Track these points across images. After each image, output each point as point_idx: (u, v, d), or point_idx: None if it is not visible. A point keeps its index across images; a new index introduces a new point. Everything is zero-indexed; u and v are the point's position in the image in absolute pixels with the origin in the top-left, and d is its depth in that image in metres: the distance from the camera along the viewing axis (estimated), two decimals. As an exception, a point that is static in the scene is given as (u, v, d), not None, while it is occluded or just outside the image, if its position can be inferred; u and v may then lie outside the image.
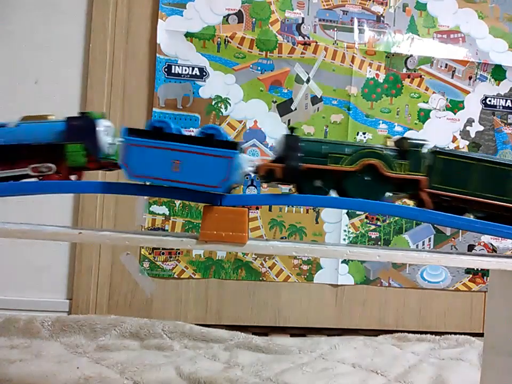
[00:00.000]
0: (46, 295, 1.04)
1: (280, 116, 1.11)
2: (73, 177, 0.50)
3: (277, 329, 1.08)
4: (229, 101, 1.10)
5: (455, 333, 1.07)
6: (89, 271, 1.06)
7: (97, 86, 1.07)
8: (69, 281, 1.07)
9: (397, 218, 1.13)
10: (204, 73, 1.09)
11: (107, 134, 0.48)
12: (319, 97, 1.12)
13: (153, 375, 0.76)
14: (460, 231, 1.15)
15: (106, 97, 1.07)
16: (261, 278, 1.10)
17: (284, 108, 1.12)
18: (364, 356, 0.92)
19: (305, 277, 1.11)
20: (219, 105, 1.10)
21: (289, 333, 1.08)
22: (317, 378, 0.78)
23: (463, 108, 1.15)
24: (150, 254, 1.08)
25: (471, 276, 1.14)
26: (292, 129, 0.48)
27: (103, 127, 0.48)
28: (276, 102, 1.11)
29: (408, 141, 0.48)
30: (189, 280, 1.08)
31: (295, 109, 1.11)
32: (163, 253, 1.09)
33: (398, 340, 1.04)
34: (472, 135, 1.15)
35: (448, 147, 1.14)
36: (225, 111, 1.10)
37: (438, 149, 0.48)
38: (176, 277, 1.08)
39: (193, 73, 1.09)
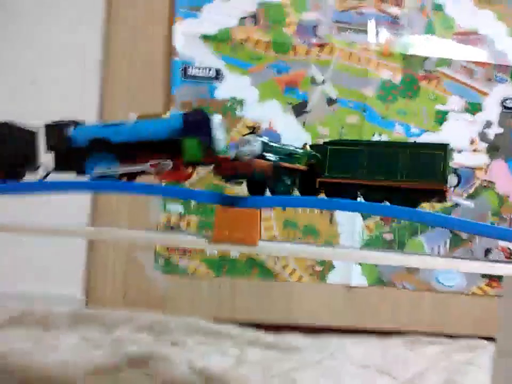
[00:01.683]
0: (62, 289, 1.07)
1: (296, 117, 1.12)
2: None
3: (288, 327, 1.08)
4: (244, 102, 1.11)
5: (469, 337, 1.06)
6: (105, 267, 1.08)
7: (114, 90, 1.10)
8: (85, 276, 1.09)
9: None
10: (220, 75, 1.10)
11: (219, 129, 0.48)
12: (334, 98, 1.12)
13: (166, 370, 0.77)
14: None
15: (123, 101, 1.09)
16: (273, 278, 1.10)
17: (299, 109, 1.12)
18: (373, 356, 0.92)
19: (318, 277, 1.11)
20: (234, 106, 1.11)
21: (300, 331, 1.08)
22: (325, 378, 0.79)
23: (481, 110, 1.13)
24: (165, 251, 1.10)
25: (487, 280, 1.13)
26: (253, 128, 0.48)
27: (216, 122, 0.48)
28: (291, 103, 1.12)
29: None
30: (202, 277, 1.09)
31: (310, 110, 1.12)
32: (178, 251, 1.10)
33: (410, 342, 1.04)
34: (491, 137, 1.14)
35: (466, 149, 1.13)
36: (241, 112, 1.11)
37: (328, 140, 0.51)
38: (190, 274, 1.09)
39: (209, 75, 1.10)
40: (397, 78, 1.12)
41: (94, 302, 1.06)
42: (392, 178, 0.47)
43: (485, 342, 1.00)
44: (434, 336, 1.06)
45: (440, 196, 0.48)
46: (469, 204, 0.50)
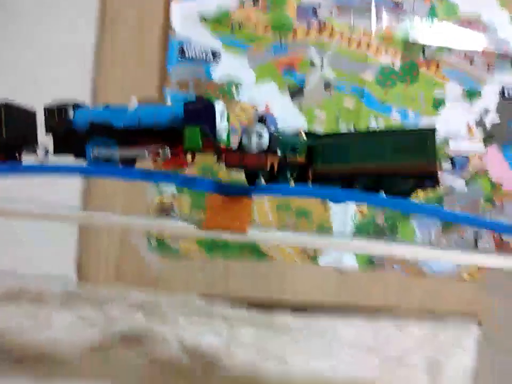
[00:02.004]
0: (54, 268, 1.07)
1: (292, 101, 1.11)
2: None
3: (280, 307, 1.10)
4: (241, 84, 1.10)
5: (457, 319, 1.08)
6: (97, 247, 1.09)
7: (108, 67, 1.08)
8: (78, 253, 1.10)
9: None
10: (217, 56, 1.09)
11: (222, 117, 0.48)
12: (332, 82, 1.11)
13: (156, 347, 0.79)
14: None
15: (118, 80, 1.08)
16: (265, 258, 1.12)
17: (296, 92, 1.11)
18: (362, 336, 0.94)
19: (310, 258, 1.13)
20: (231, 88, 1.10)
21: (291, 310, 1.10)
22: (315, 357, 0.81)
23: (480, 97, 1.13)
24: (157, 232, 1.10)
25: (477, 265, 1.14)
26: (261, 117, 0.48)
27: (219, 110, 0.47)
28: (288, 86, 1.11)
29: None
30: (195, 258, 1.11)
31: (308, 94, 1.11)
32: (172, 232, 1.11)
33: (398, 322, 1.06)
34: (488, 125, 1.14)
35: (462, 136, 1.13)
36: (237, 94, 1.10)
37: (315, 133, 0.52)
38: (183, 254, 1.10)
39: (206, 55, 1.09)
40: (397, 64, 1.11)
41: (87, 281, 1.08)
42: (383, 162, 0.47)
43: (473, 324, 1.02)
44: (423, 317, 1.09)
45: (433, 179, 0.48)
46: (463, 187, 0.51)
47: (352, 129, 1.09)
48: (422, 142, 0.46)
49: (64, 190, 0.96)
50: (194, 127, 0.45)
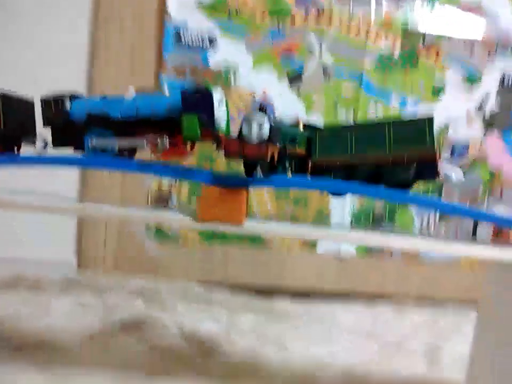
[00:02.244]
0: (54, 254, 1.08)
1: (291, 87, 1.10)
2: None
3: (279, 293, 1.11)
4: (238, 70, 1.09)
5: (455, 304, 1.09)
6: (96, 231, 1.09)
7: (104, 52, 1.07)
8: (77, 240, 1.10)
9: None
10: (214, 42, 1.07)
11: (220, 105, 0.47)
12: (331, 69, 1.10)
13: (155, 333, 0.80)
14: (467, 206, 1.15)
15: (113, 66, 1.07)
16: (264, 245, 1.12)
17: (295, 79, 1.10)
18: (361, 321, 0.95)
19: (309, 245, 1.13)
20: (228, 75, 1.08)
21: (291, 297, 1.11)
22: (314, 343, 0.82)
23: (479, 85, 1.12)
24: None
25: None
26: (262, 107, 0.47)
27: (217, 98, 0.46)
28: (286, 72, 1.09)
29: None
30: (194, 244, 1.11)
31: (306, 80, 1.10)
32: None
33: (397, 308, 1.07)
34: (487, 112, 1.13)
35: (462, 122, 1.13)
36: (234, 81, 1.09)
37: (315, 125, 0.51)
38: (181, 241, 1.10)
39: (203, 41, 1.07)
40: (396, 51, 1.10)
41: (86, 268, 1.08)
42: (381, 151, 0.47)
43: (470, 310, 1.03)
44: (422, 303, 1.09)
45: (433, 170, 0.48)
46: (460, 176, 0.51)
47: (351, 121, 1.09)
48: (421, 130, 0.46)
49: (62, 179, 0.96)
50: (192, 116, 0.45)
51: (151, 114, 0.47)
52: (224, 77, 1.08)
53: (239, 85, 1.09)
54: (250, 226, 0.44)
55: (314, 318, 0.95)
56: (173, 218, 0.44)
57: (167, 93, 0.50)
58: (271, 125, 0.45)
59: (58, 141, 0.51)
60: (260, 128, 0.45)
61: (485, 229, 1.13)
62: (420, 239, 0.46)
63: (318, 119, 1.10)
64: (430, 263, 1.15)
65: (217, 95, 0.47)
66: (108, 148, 0.49)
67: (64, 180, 0.99)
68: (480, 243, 0.48)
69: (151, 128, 0.48)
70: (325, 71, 1.10)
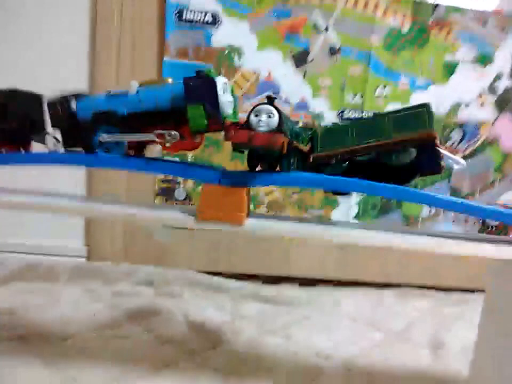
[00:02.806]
0: (64, 241, 1.09)
1: (296, 67, 1.06)
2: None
3: (285, 279, 1.11)
4: (242, 50, 1.05)
5: (461, 290, 1.08)
6: (104, 221, 1.09)
7: (104, 34, 1.04)
8: (86, 228, 1.10)
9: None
10: (217, 20, 1.03)
11: (225, 92, 0.45)
12: (337, 47, 1.06)
13: (162, 323, 0.80)
14: (478, 190, 1.13)
15: (114, 47, 1.04)
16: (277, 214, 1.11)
17: (300, 59, 1.06)
18: (365, 309, 0.95)
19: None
20: (232, 54, 1.05)
21: (297, 282, 1.11)
22: (317, 332, 0.82)
23: (492, 61, 1.07)
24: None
25: (484, 233, 1.13)
26: (270, 98, 0.45)
27: (221, 85, 0.45)
28: (292, 52, 1.06)
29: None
30: (200, 231, 1.10)
31: (312, 60, 1.06)
32: (176, 203, 1.10)
33: (401, 295, 1.07)
34: (500, 91, 1.09)
35: (473, 103, 1.09)
36: (239, 61, 1.05)
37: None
38: (189, 228, 1.10)
39: (206, 19, 1.03)
40: (406, 26, 1.05)
41: (95, 256, 1.08)
42: (382, 139, 0.47)
43: (476, 296, 1.02)
44: (426, 288, 1.09)
45: (434, 160, 0.47)
46: (461, 163, 0.49)
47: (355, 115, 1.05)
48: (420, 116, 0.45)
49: (69, 171, 0.95)
50: (197, 106, 0.43)
51: (156, 107, 0.46)
52: (228, 57, 1.05)
53: (243, 65, 1.05)
54: (251, 225, 0.43)
55: (318, 307, 0.95)
56: (173, 218, 0.43)
57: (170, 81, 0.48)
58: (280, 115, 0.44)
59: (68, 142, 0.51)
60: (269, 117, 0.44)
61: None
62: (432, 238, 0.45)
63: (324, 103, 1.07)
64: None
65: (221, 81, 0.45)
66: (117, 146, 0.48)
67: (71, 172, 0.99)
68: (490, 241, 0.46)
69: (157, 122, 0.46)
70: (332, 50, 1.06)
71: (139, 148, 0.52)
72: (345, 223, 0.47)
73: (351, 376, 0.67)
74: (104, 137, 0.48)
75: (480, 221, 1.11)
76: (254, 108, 0.45)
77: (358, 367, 0.69)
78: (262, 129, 0.44)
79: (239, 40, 1.05)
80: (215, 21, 1.04)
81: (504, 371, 0.54)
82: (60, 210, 0.46)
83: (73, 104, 0.49)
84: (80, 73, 1.04)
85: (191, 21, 1.04)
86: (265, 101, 0.45)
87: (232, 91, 0.48)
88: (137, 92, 0.47)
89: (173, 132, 0.45)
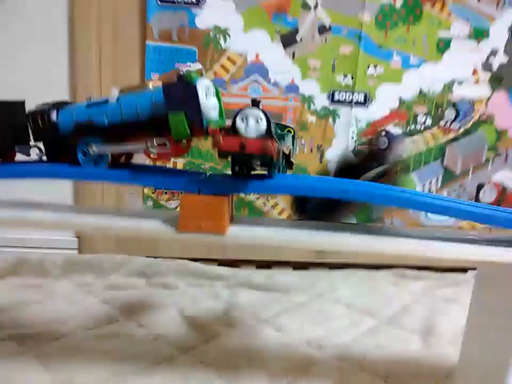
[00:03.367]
0: (54, 233, 1.07)
1: (284, 48, 1.03)
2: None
3: (279, 263, 1.11)
4: (228, 31, 1.01)
5: (456, 270, 1.08)
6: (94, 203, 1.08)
7: (84, 19, 0.99)
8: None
9: (404, 158, 1.09)
10: (200, 0, 0.99)
11: (208, 95, 0.43)
12: (327, 26, 1.02)
13: (156, 317, 0.80)
14: (471, 169, 1.12)
15: (95, 32, 1.00)
16: (263, 217, 1.10)
17: (289, 39, 1.03)
18: (359, 295, 0.95)
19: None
20: (217, 36, 1.01)
21: (291, 266, 1.11)
22: (311, 321, 0.82)
23: (487, 36, 1.04)
24: (153, 193, 1.08)
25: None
26: (256, 101, 0.43)
27: (203, 89, 0.43)
28: (279, 32, 1.02)
29: None
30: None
31: (301, 40, 1.02)
32: (166, 193, 1.09)
33: (397, 277, 1.07)
34: (495, 67, 1.06)
35: (467, 80, 1.06)
36: (224, 43, 1.02)
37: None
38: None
39: None
40: (398, 1, 1.01)
41: (87, 248, 1.07)
42: None
43: (470, 278, 1.03)
44: (421, 269, 1.09)
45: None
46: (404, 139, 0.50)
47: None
48: None
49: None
50: (178, 114, 0.41)
51: (137, 116, 0.44)
52: (213, 39, 1.01)
53: (230, 47, 1.02)
54: (233, 235, 0.41)
55: (312, 294, 0.95)
56: (153, 230, 0.42)
57: (150, 86, 0.46)
58: (267, 119, 0.42)
59: (51, 155, 0.49)
60: (257, 121, 0.42)
61: (488, 193, 1.10)
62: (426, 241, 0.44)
63: (314, 85, 1.04)
64: (430, 226, 1.13)
65: (203, 84, 0.43)
66: (100, 157, 0.47)
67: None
68: (490, 243, 0.45)
69: (140, 131, 0.45)
70: (321, 29, 1.02)
71: (127, 156, 0.51)
72: (333, 225, 0.46)
73: (343, 367, 0.67)
74: (94, 149, 0.46)
75: (473, 201, 1.11)
76: (239, 111, 0.43)
77: (351, 354, 0.70)
78: (251, 135, 0.42)
79: (225, 21, 1.01)
80: (198, 0, 0.99)
81: (492, 358, 0.54)
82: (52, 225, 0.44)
83: (54, 116, 0.47)
84: (60, 61, 1.00)
85: (173, 1, 0.99)
86: (250, 104, 0.43)
87: (217, 92, 0.46)
88: (118, 99, 0.45)
89: (162, 139, 0.44)
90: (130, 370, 0.63)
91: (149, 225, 0.42)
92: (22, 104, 0.50)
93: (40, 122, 0.48)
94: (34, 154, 0.51)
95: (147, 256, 1.04)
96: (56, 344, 0.69)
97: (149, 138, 0.44)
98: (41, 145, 0.50)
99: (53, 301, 0.84)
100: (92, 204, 1.05)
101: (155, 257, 1.04)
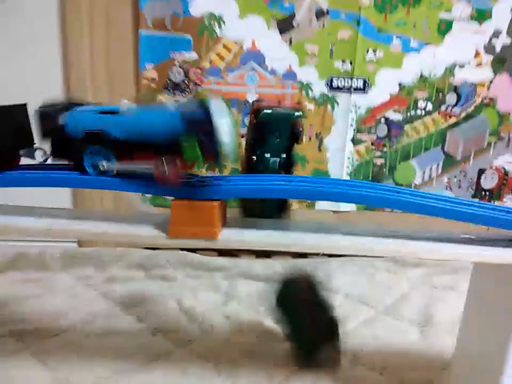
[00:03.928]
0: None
1: (281, 34, 1.00)
2: None
3: (277, 251, 1.10)
4: (223, 18, 0.99)
5: (454, 262, 1.08)
6: (92, 205, 1.07)
7: (75, 7, 0.97)
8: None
9: (404, 144, 1.08)
10: (194, -14, 0.96)
11: (221, 116, 0.43)
12: (325, 10, 0.99)
13: (155, 310, 0.80)
14: (472, 155, 1.10)
15: (87, 22, 0.97)
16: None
17: (285, 25, 1.00)
18: (357, 284, 0.94)
19: (307, 204, 1.11)
20: (212, 23, 0.99)
21: (290, 255, 1.11)
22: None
23: (490, 17, 1.00)
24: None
25: (477, 199, 1.12)
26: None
27: (217, 111, 0.43)
28: (276, 17, 0.99)
29: None
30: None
31: (298, 25, 1.00)
32: (164, 183, 1.08)
33: (395, 264, 1.06)
34: (498, 49, 1.03)
35: (469, 63, 1.03)
36: (219, 30, 0.99)
37: None
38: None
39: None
40: (398, -19, 0.98)
41: (86, 243, 1.07)
42: None
43: (469, 265, 1.02)
44: (419, 261, 1.08)
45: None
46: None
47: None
48: None
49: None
50: (192, 139, 0.41)
51: (153, 136, 0.44)
52: (208, 26, 0.99)
53: (225, 35, 0.99)
54: (225, 240, 0.41)
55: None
56: (144, 236, 0.41)
57: (168, 105, 0.44)
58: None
59: (57, 152, 0.49)
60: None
61: (489, 179, 1.08)
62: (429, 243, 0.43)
63: (312, 71, 1.02)
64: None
65: (216, 106, 0.42)
66: (108, 169, 0.46)
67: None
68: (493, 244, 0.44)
69: (153, 150, 0.44)
70: (319, 13, 0.99)
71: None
72: (328, 227, 0.45)
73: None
74: (104, 164, 0.45)
75: (474, 186, 1.09)
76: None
77: (349, 345, 0.70)
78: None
79: (220, 8, 0.98)
80: (192, -15, 0.97)
81: (487, 348, 0.54)
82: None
83: (64, 116, 0.46)
84: (53, 53, 0.98)
85: (166, -12, 0.96)
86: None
87: (230, 120, 0.46)
88: (133, 113, 0.44)
89: (174, 159, 0.43)
90: (130, 367, 0.64)
91: (140, 231, 0.42)
92: (24, 107, 0.50)
93: (48, 121, 0.47)
94: (39, 156, 0.51)
95: (145, 248, 1.04)
96: (56, 340, 0.70)
97: (159, 158, 0.43)
98: (46, 146, 0.49)
99: (53, 295, 0.85)
100: (91, 205, 1.04)
101: (154, 249, 1.04)
